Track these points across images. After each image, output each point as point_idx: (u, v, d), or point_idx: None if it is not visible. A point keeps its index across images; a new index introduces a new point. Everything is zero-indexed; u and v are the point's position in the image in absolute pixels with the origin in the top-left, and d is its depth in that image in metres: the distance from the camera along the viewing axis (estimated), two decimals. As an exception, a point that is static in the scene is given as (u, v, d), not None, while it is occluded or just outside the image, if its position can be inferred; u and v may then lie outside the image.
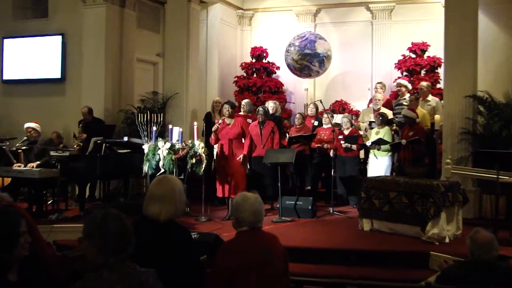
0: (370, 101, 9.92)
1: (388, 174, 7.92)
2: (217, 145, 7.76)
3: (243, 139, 7.72)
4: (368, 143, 8.08)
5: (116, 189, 8.80)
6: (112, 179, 8.45)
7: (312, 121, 9.42)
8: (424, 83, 9.10)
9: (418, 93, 8.90)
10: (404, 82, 9.54)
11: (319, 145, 8.77)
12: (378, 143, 7.99)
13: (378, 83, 9.98)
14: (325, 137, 8.78)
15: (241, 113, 8.69)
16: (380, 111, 8.62)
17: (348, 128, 8.64)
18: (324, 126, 9.00)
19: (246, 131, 7.67)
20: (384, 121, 8.20)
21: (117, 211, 2.45)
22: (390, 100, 9.78)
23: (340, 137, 8.58)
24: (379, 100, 8.95)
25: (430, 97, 8.92)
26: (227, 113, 7.66)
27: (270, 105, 9.19)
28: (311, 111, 9.61)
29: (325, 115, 9.01)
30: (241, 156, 7.50)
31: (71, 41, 9.80)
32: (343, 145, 8.43)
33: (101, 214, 2.41)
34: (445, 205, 6.01)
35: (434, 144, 8.08)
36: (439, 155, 8.02)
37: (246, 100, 9.11)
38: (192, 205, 7.78)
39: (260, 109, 8.58)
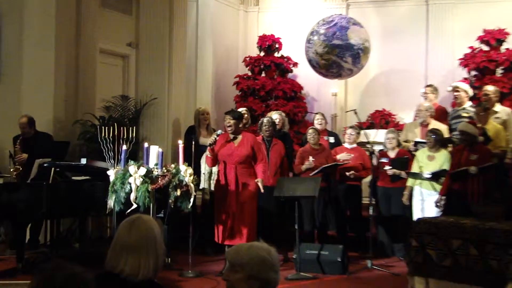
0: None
1: (437, 214, 7.88)
2: (216, 168, 7.78)
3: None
4: (428, 175, 8.04)
5: (69, 231, 8.79)
6: (63, 217, 8.42)
7: (326, 137, 9.49)
8: (490, 88, 9.11)
9: (487, 101, 8.91)
10: (463, 85, 9.50)
11: (353, 172, 8.81)
12: (440, 174, 7.98)
13: (427, 86, 10.04)
14: (350, 161, 8.86)
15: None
16: (431, 127, 8.63)
17: (394, 148, 8.67)
18: (347, 145, 9.06)
19: (259, 154, 7.70)
20: (439, 141, 8.19)
21: (73, 266, 2.45)
22: (444, 110, 9.77)
23: (384, 160, 8.61)
24: (424, 110, 8.94)
25: (498, 107, 8.92)
26: (230, 127, 7.70)
27: (274, 117, 9.23)
28: (320, 124, 9.52)
29: (349, 131, 9.09)
30: (258, 180, 7.53)
31: (7, 24, 9.75)
32: (389, 172, 8.44)
33: (48, 270, 2.41)
34: (531, 259, 5.97)
35: (506, 173, 8.08)
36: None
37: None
38: (175, 254, 7.76)
39: (265, 120, 8.62)
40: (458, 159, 7.81)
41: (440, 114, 9.41)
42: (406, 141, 9.11)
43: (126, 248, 3.00)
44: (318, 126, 9.48)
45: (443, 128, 8.69)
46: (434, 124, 8.81)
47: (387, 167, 8.50)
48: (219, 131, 7.80)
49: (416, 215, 7.98)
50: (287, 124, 9.76)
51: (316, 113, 9.93)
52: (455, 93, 9.42)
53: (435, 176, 7.99)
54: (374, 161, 8.61)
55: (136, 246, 2.99)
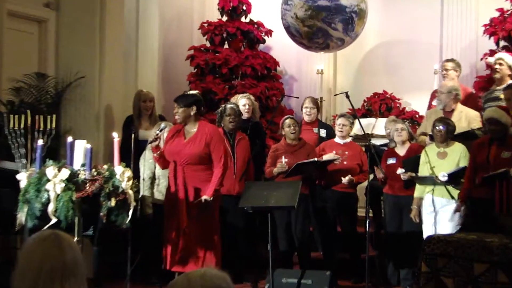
0: (433, 95, 9.95)
1: (456, 227, 7.95)
2: (160, 171, 7.89)
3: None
4: (444, 177, 7.97)
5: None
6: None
7: (315, 129, 9.56)
8: None
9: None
10: (506, 56, 9.53)
11: (350, 177, 8.79)
12: (458, 175, 7.97)
13: (448, 60, 10.09)
14: (344, 162, 8.84)
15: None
16: (456, 113, 8.66)
17: (404, 144, 8.65)
18: (339, 140, 9.05)
19: (217, 152, 7.66)
20: (451, 132, 8.18)
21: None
22: (472, 95, 9.80)
23: (392, 161, 8.57)
24: (445, 92, 8.94)
25: None
26: (178, 118, 7.68)
27: (241, 102, 9.25)
28: (309, 113, 9.62)
29: (339, 120, 9.07)
30: (203, 198, 7.49)
31: None
32: (403, 176, 8.33)
33: None
34: None
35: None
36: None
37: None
38: (109, 284, 7.72)
39: (228, 108, 8.63)
40: (485, 156, 7.81)
41: (468, 99, 9.40)
42: (423, 134, 9.11)
43: (60, 272, 3.01)
44: (306, 117, 9.48)
45: (474, 115, 8.78)
46: (461, 110, 8.82)
47: (400, 170, 8.35)
48: (162, 124, 7.80)
49: (427, 232, 7.96)
50: (258, 111, 9.82)
51: (306, 98, 9.90)
52: (497, 67, 9.42)
53: (453, 178, 7.96)
54: (375, 162, 8.59)
55: (73, 268, 3.03)
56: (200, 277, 2.92)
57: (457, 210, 7.92)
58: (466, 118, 8.78)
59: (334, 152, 8.85)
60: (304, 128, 9.48)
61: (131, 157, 7.77)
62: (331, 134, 9.50)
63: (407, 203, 8.40)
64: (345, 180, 8.73)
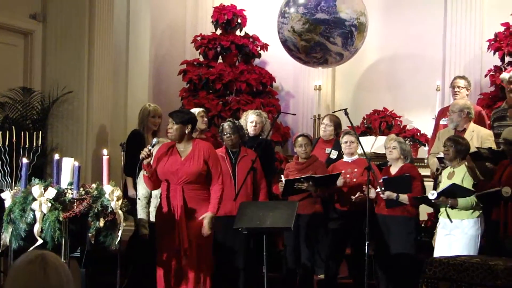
0: (441, 113, 10.00)
1: (473, 252, 7.97)
2: (158, 191, 7.84)
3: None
4: (433, 195, 8.08)
5: None
6: None
7: (327, 149, 9.56)
8: None
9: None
10: None
11: (359, 194, 8.81)
12: (449, 193, 8.02)
13: (458, 77, 10.12)
14: (354, 179, 8.89)
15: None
16: (468, 133, 8.72)
17: (397, 161, 8.72)
18: (347, 158, 9.10)
19: (215, 170, 7.69)
20: (460, 152, 8.23)
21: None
22: (482, 114, 9.82)
23: (382, 180, 8.63)
24: (457, 111, 9.01)
25: None
26: (171, 134, 7.70)
27: (250, 119, 9.26)
28: (325, 130, 9.69)
29: (345, 138, 9.10)
30: (206, 215, 7.51)
31: None
32: (382, 195, 8.45)
33: None
34: None
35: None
36: None
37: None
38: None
39: (226, 126, 8.65)
40: (500, 176, 7.86)
41: (479, 118, 9.44)
42: (435, 155, 9.13)
43: None
44: (322, 133, 9.54)
45: (487, 134, 8.82)
46: (473, 129, 8.89)
47: (378, 189, 8.48)
48: (154, 140, 7.81)
49: (440, 254, 7.99)
50: (268, 128, 9.68)
51: (326, 116, 9.93)
52: (508, 85, 9.45)
53: (445, 195, 8.01)
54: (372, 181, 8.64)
55: None
56: None
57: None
58: (478, 138, 8.83)
59: (343, 171, 8.88)
60: (318, 147, 9.56)
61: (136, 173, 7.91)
62: (340, 156, 9.40)
63: (393, 223, 8.52)
64: (354, 197, 8.71)
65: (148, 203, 8.56)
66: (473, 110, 9.09)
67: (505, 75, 9.85)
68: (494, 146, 8.63)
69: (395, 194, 8.41)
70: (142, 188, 8.53)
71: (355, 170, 8.91)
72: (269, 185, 8.91)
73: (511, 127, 8.18)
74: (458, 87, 9.87)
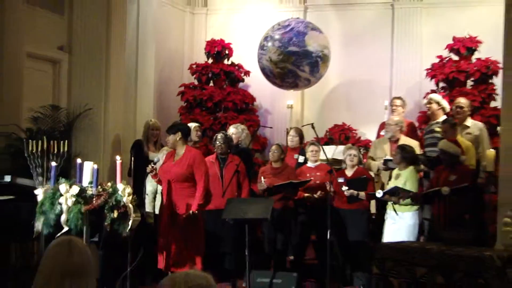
0: (382, 126, 10.10)
1: (413, 238, 8.04)
2: (161, 187, 7.90)
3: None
4: (379, 194, 8.19)
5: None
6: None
7: (296, 156, 9.58)
8: (463, 100, 9.35)
9: (453, 116, 9.09)
10: (438, 97, 9.70)
11: (307, 194, 8.88)
12: (394, 193, 8.10)
13: (396, 98, 10.24)
14: (317, 181, 8.93)
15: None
16: (400, 142, 8.79)
17: (353, 167, 8.78)
18: (310, 164, 9.15)
19: (198, 172, 7.70)
20: (406, 158, 8.33)
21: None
22: (413, 126, 9.97)
23: (341, 180, 8.72)
24: (393, 125, 9.12)
25: (469, 121, 9.16)
26: (169, 142, 7.73)
27: (231, 131, 9.31)
28: (292, 140, 9.75)
29: (311, 148, 9.17)
30: (190, 212, 7.53)
31: None
32: (346, 193, 8.55)
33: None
34: (503, 289, 6.11)
35: (479, 194, 8.24)
36: (492, 211, 8.17)
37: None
38: (110, 283, 7.71)
39: (218, 136, 8.69)
40: (437, 178, 7.96)
41: (410, 129, 9.59)
42: (371, 158, 9.26)
43: (69, 273, 3.04)
44: (289, 143, 9.57)
45: (413, 144, 8.83)
46: (404, 140, 8.96)
47: (344, 188, 8.58)
48: (156, 158, 7.88)
49: (387, 239, 8.07)
50: (246, 138, 9.71)
51: (292, 129, 10.00)
52: (428, 106, 9.58)
53: (387, 194, 8.12)
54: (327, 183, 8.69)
55: (81, 269, 3.06)
56: (184, 277, 2.90)
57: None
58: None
59: (308, 175, 8.95)
60: (288, 154, 9.56)
61: (138, 175, 7.90)
62: (307, 160, 9.52)
63: (350, 215, 8.62)
64: (316, 195, 8.83)
65: (155, 198, 8.59)
66: (404, 124, 9.25)
67: (424, 101, 10.11)
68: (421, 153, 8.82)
69: (356, 192, 8.52)
70: (149, 186, 8.56)
71: (318, 173, 8.97)
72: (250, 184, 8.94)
73: (446, 140, 8.24)
74: (396, 105, 10.00)
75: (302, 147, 9.64)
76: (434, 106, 9.43)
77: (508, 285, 6.13)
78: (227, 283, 8.28)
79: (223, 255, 8.48)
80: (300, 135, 9.76)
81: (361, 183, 8.58)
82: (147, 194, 8.51)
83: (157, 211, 8.40)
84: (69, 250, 3.10)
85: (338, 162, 9.52)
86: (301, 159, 9.48)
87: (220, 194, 8.32)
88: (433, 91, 10.79)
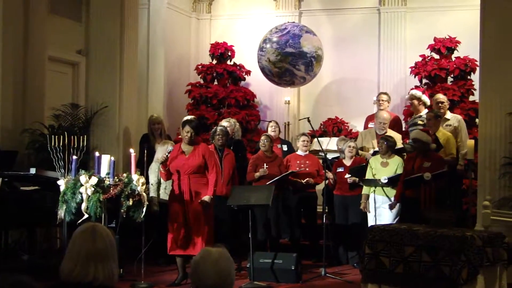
0: (369, 119, 10.12)
1: (391, 221, 8.04)
2: (169, 181, 7.82)
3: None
4: (384, 179, 8.15)
5: (18, 242, 8.66)
6: (11, 228, 8.29)
7: (279, 145, 9.65)
8: (441, 96, 9.41)
9: (438, 109, 9.12)
10: (418, 93, 9.77)
11: (308, 179, 8.92)
12: (395, 179, 8.11)
13: (383, 93, 10.26)
14: (307, 169, 8.97)
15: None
16: (386, 134, 8.81)
17: (352, 157, 8.80)
18: (301, 153, 9.16)
19: (210, 162, 7.70)
20: (391, 147, 8.34)
21: (21, 276, 2.45)
22: (398, 119, 9.98)
23: (341, 169, 8.74)
24: (383, 119, 9.13)
25: (449, 115, 9.21)
26: (188, 138, 7.67)
27: (224, 125, 9.31)
28: (273, 131, 9.76)
29: (302, 138, 9.20)
30: (205, 198, 7.50)
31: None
32: (349, 180, 8.59)
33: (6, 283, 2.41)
34: (483, 265, 6.07)
35: (458, 180, 8.22)
36: (472, 195, 8.17)
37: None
38: (126, 264, 7.72)
39: (218, 129, 8.71)
40: (411, 166, 7.97)
41: (395, 122, 9.61)
42: (361, 149, 9.28)
43: (93, 256, 3.05)
44: (271, 134, 9.59)
45: (397, 137, 8.93)
46: (389, 133, 9.03)
47: (347, 175, 8.62)
48: (170, 148, 7.82)
49: (371, 222, 8.09)
50: (238, 131, 9.80)
51: (270, 121, 10.06)
52: (410, 101, 9.69)
53: (392, 182, 8.11)
54: (329, 171, 8.72)
55: (104, 253, 3.07)
56: (214, 264, 3.08)
57: (391, 207, 8.06)
58: (391, 139, 8.99)
59: (298, 162, 8.98)
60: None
61: (144, 167, 7.87)
62: (291, 148, 9.77)
63: (352, 201, 8.64)
64: (304, 181, 8.88)
65: (158, 188, 8.56)
66: (389, 119, 9.33)
67: (407, 97, 10.16)
68: (400, 145, 8.89)
69: (357, 179, 8.56)
70: (154, 177, 8.53)
71: (307, 162, 9.05)
72: (244, 173, 9.02)
73: (418, 130, 8.32)
74: (382, 100, 10.01)
75: (281, 138, 9.95)
76: (416, 102, 9.63)
77: (487, 261, 6.14)
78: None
79: (225, 238, 8.46)
80: (279, 126, 9.95)
81: (361, 171, 8.58)
82: (151, 184, 8.47)
83: (162, 197, 8.40)
84: (93, 236, 3.11)
85: (332, 152, 9.55)
86: (284, 147, 9.69)
87: (220, 182, 8.33)
88: (417, 87, 10.80)
